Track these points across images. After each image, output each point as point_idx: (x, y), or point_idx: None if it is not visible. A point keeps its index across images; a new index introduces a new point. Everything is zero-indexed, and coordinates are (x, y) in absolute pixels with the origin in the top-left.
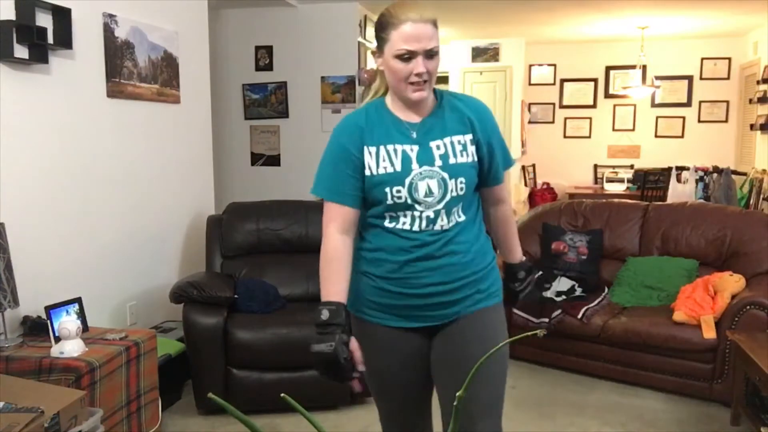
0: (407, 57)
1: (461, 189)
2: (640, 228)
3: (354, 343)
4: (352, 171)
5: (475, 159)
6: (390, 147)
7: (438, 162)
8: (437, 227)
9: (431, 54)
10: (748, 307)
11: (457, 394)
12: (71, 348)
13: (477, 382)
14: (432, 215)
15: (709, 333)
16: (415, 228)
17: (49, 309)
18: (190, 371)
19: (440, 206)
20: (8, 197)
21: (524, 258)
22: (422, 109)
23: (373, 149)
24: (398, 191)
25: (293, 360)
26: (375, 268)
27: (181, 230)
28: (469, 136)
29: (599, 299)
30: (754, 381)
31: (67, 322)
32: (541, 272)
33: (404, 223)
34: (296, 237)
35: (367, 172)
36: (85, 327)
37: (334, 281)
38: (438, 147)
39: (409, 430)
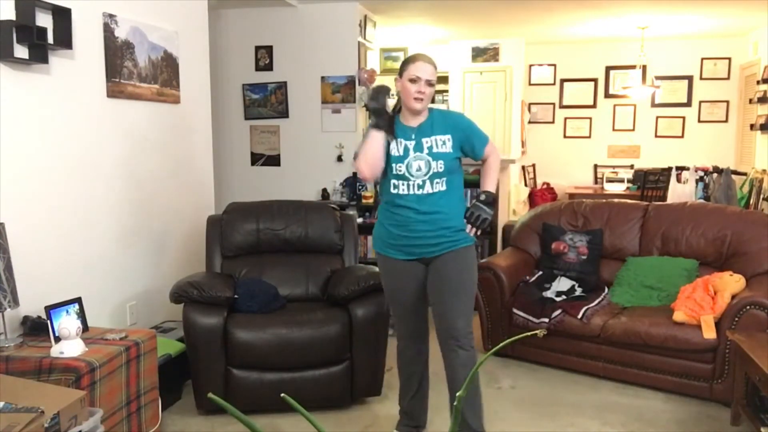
0: (414, 80)
1: (440, 167)
2: (640, 228)
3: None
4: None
5: (452, 150)
6: (400, 141)
7: (425, 150)
8: (424, 191)
9: (429, 83)
10: (748, 307)
11: (458, 394)
12: (71, 348)
13: (454, 295)
14: (420, 183)
15: (709, 333)
16: (410, 192)
17: (49, 309)
18: (190, 371)
19: (425, 178)
20: (8, 197)
21: (492, 190)
22: (419, 118)
23: (393, 142)
24: (399, 167)
25: (293, 360)
26: (386, 219)
27: (181, 230)
28: (448, 136)
29: (599, 299)
30: (754, 381)
31: (67, 322)
32: (486, 197)
33: (403, 189)
34: (296, 237)
35: (391, 154)
36: (85, 327)
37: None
38: (426, 142)
39: (412, 327)
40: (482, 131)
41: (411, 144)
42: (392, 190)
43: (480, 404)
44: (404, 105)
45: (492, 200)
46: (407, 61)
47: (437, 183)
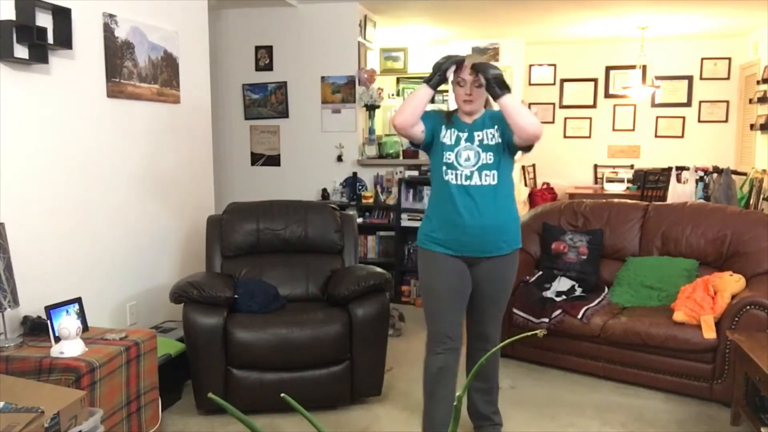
0: (461, 84)
1: (489, 159)
2: (640, 228)
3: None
4: (433, 125)
5: (500, 142)
6: (452, 131)
7: (476, 142)
8: (472, 183)
9: (478, 84)
10: (748, 307)
11: (457, 394)
12: (71, 348)
13: (493, 304)
14: (468, 173)
15: (709, 333)
16: (458, 182)
17: (49, 309)
18: (190, 371)
19: (474, 169)
20: (8, 197)
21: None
22: (475, 116)
23: (445, 131)
24: (449, 156)
25: (293, 360)
26: (434, 211)
27: (181, 230)
28: (496, 127)
29: (599, 299)
30: (754, 381)
31: (67, 322)
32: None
33: (451, 177)
34: (296, 237)
35: (441, 141)
36: (85, 327)
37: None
38: (478, 135)
39: (448, 324)
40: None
41: (463, 135)
42: (443, 177)
43: (497, 398)
44: (459, 107)
45: (504, 83)
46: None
47: (486, 175)
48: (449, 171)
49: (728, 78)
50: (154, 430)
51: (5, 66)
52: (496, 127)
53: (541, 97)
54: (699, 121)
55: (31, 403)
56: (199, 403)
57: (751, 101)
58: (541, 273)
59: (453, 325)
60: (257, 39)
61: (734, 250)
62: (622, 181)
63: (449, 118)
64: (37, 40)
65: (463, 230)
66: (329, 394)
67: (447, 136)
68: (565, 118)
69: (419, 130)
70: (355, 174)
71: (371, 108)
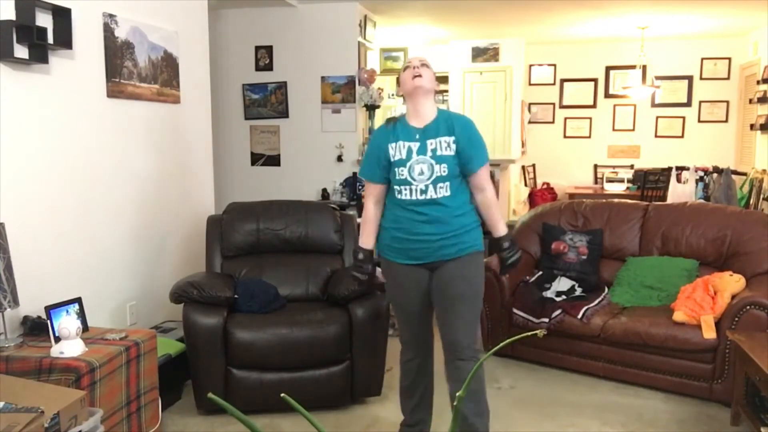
0: (408, 67)
1: (444, 171)
2: (640, 228)
3: (377, 270)
4: (383, 159)
5: (454, 155)
6: (401, 143)
7: (429, 153)
8: (428, 196)
9: (424, 64)
10: (748, 307)
11: (457, 394)
12: (71, 348)
13: (456, 306)
14: (423, 188)
15: (709, 333)
16: (413, 197)
17: (49, 309)
18: (190, 371)
19: (429, 182)
20: (8, 197)
21: (506, 231)
22: (423, 119)
23: (394, 144)
24: (401, 171)
25: (293, 360)
26: (390, 223)
27: (181, 230)
28: (452, 138)
29: (599, 299)
30: (754, 381)
31: (67, 322)
32: (509, 244)
33: (406, 194)
34: (296, 237)
35: (391, 159)
36: (85, 327)
37: (367, 235)
38: (431, 144)
39: (415, 334)
40: (485, 150)
41: (415, 146)
42: (396, 195)
43: (486, 409)
44: (408, 97)
45: (515, 241)
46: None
47: (441, 188)
48: (404, 188)
49: (728, 78)
50: (154, 430)
51: (5, 66)
52: (453, 138)
53: (541, 97)
54: (699, 121)
55: (31, 403)
56: (199, 403)
57: (751, 101)
58: (541, 273)
59: (421, 334)
60: (257, 39)
61: (734, 250)
62: (622, 181)
63: (393, 126)
64: (37, 40)
65: (419, 242)
66: (329, 394)
67: (397, 151)
68: (565, 118)
69: (383, 187)
70: (355, 174)
71: (371, 108)
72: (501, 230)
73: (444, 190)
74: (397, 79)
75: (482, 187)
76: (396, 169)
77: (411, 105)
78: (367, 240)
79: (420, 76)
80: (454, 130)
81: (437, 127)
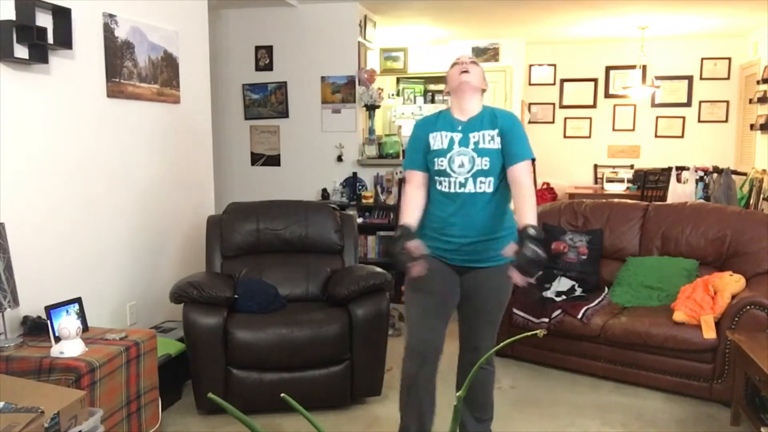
0: (456, 64)
1: (485, 165)
2: (640, 228)
3: (414, 243)
4: (422, 145)
5: (498, 148)
6: (443, 133)
7: (471, 146)
8: (466, 190)
9: (473, 62)
10: (748, 307)
11: (457, 395)
12: (71, 348)
13: (485, 318)
14: (462, 180)
15: (709, 333)
16: (451, 189)
17: (49, 309)
18: (190, 371)
19: (468, 175)
20: (8, 197)
21: (532, 225)
22: (468, 112)
23: (435, 134)
24: (441, 162)
25: (293, 360)
26: (428, 219)
27: (181, 230)
28: (495, 131)
29: (599, 299)
30: (754, 381)
31: (67, 322)
32: (536, 233)
33: (444, 186)
34: (296, 237)
35: (431, 148)
36: (85, 327)
37: (407, 214)
38: (474, 137)
39: (424, 338)
40: (529, 146)
41: (457, 137)
42: (437, 187)
43: (491, 416)
44: (454, 93)
45: (542, 237)
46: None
47: (481, 183)
48: (442, 180)
49: (728, 78)
50: (154, 430)
51: (5, 66)
52: (497, 130)
53: (541, 97)
54: (699, 121)
55: (31, 403)
56: (199, 403)
57: (751, 101)
58: (541, 273)
59: (427, 342)
60: (257, 39)
61: (734, 250)
62: (622, 181)
63: (436, 117)
64: (37, 40)
65: (453, 241)
66: (329, 394)
67: (438, 141)
68: (565, 118)
69: (423, 174)
70: (355, 174)
71: (371, 108)
72: (530, 218)
73: (486, 186)
74: (445, 77)
75: (520, 182)
76: (436, 160)
77: (456, 101)
78: (405, 217)
79: (467, 72)
80: (497, 123)
81: (481, 121)
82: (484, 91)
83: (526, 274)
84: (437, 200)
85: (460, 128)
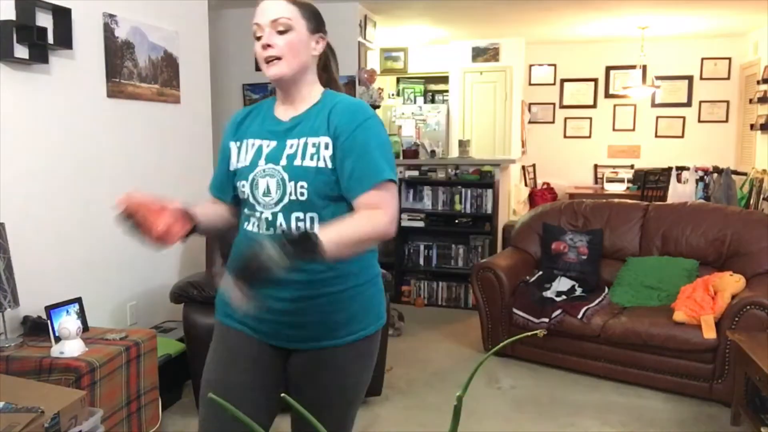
0: (258, 34)
1: (301, 194)
2: (640, 228)
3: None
4: (225, 168)
5: (328, 165)
6: (251, 141)
7: (283, 161)
8: (277, 232)
9: (284, 26)
10: (748, 307)
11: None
12: (71, 348)
13: (322, 412)
14: (270, 218)
15: (709, 333)
16: (259, 230)
17: (49, 309)
18: (190, 371)
19: (277, 209)
20: (8, 197)
21: (329, 245)
22: (297, 105)
23: (238, 144)
24: (242, 186)
25: None
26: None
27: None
28: (326, 139)
29: (599, 299)
30: (754, 381)
31: (67, 322)
32: (303, 238)
33: (252, 224)
34: None
35: (232, 167)
36: (85, 327)
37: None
38: (291, 146)
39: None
40: (388, 159)
41: (267, 146)
42: (244, 226)
43: None
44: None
45: (311, 246)
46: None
47: (299, 221)
48: (249, 214)
49: (728, 78)
50: (154, 430)
51: (5, 66)
52: (328, 139)
53: (541, 97)
54: (699, 121)
55: (31, 403)
56: (199, 403)
57: (751, 101)
58: (541, 273)
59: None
60: None
61: (734, 250)
62: (622, 181)
63: (247, 114)
64: (37, 40)
65: (269, 307)
66: None
67: (242, 152)
68: (565, 118)
69: (228, 208)
70: None
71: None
72: (330, 231)
73: (301, 222)
74: None
75: (374, 207)
76: (238, 184)
77: (278, 91)
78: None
79: (270, 45)
80: (330, 124)
81: (312, 118)
82: (325, 62)
83: (243, 280)
84: (244, 245)
85: (275, 134)
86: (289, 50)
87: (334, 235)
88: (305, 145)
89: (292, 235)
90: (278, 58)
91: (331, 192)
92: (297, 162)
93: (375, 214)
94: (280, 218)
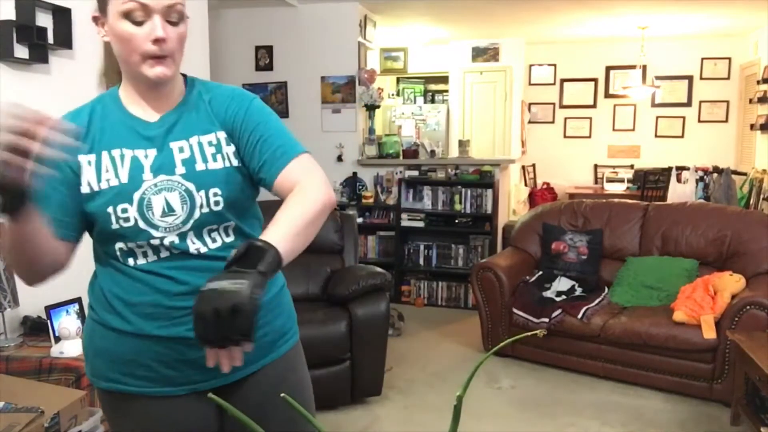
0: (140, 19)
1: (216, 203)
2: (640, 228)
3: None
4: (66, 191)
5: (234, 163)
6: (116, 152)
7: (179, 169)
8: (189, 260)
9: (172, 14)
10: (748, 307)
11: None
12: (71, 348)
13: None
14: (177, 241)
15: (709, 333)
16: (158, 259)
17: (49, 309)
18: None
19: (186, 228)
20: None
21: (279, 247)
22: (165, 101)
23: (92, 158)
24: (124, 211)
25: None
26: (107, 318)
27: None
28: (220, 133)
29: (599, 299)
30: (754, 381)
31: (66, 322)
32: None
33: (143, 257)
34: None
35: (85, 190)
36: None
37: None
38: (181, 149)
39: None
40: (289, 133)
41: (147, 156)
42: (119, 262)
43: None
44: (128, 73)
45: (265, 255)
46: None
47: (211, 234)
48: (132, 247)
49: (728, 78)
50: None
51: (5, 66)
52: (222, 132)
53: (541, 97)
54: (699, 121)
55: (31, 403)
56: None
57: (751, 101)
58: (541, 273)
59: None
60: (257, 39)
61: (734, 250)
62: (622, 181)
63: (91, 118)
64: (37, 40)
65: (191, 344)
66: (329, 394)
67: (103, 168)
68: (565, 118)
69: (65, 244)
70: (355, 174)
71: (371, 108)
72: (271, 234)
73: (217, 237)
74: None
75: (295, 181)
76: (112, 209)
77: (133, 83)
78: None
79: (164, 40)
80: (220, 114)
81: (190, 115)
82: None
83: (213, 343)
84: (128, 288)
85: (150, 136)
86: (180, 46)
87: (280, 230)
88: (200, 145)
89: (237, 254)
90: (168, 56)
91: (244, 192)
92: (200, 166)
93: (305, 190)
94: (191, 238)
